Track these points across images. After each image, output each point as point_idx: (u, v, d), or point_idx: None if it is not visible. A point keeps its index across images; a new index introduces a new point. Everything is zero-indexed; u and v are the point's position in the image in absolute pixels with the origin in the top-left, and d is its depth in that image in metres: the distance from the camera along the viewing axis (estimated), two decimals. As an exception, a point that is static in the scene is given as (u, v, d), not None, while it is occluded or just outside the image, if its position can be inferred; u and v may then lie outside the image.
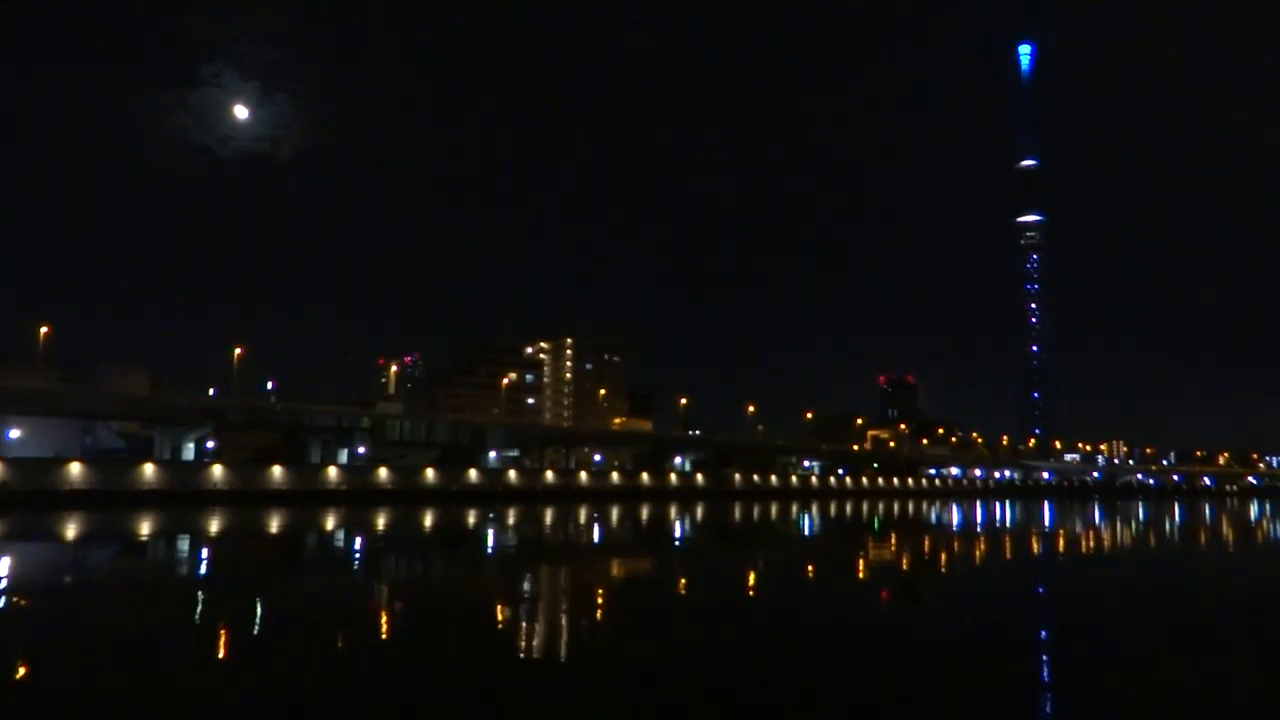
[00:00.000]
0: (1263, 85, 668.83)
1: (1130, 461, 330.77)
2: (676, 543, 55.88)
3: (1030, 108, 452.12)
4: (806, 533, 67.51)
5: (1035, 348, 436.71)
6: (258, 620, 23.66)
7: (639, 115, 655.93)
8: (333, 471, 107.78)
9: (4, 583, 29.54)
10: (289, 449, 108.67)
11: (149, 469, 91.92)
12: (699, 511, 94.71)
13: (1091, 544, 58.34)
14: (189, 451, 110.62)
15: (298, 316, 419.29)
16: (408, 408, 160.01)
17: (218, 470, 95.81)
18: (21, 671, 16.90)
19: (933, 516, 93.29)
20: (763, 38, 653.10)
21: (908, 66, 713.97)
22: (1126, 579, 38.51)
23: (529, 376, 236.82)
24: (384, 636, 21.69)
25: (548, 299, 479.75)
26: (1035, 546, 54.84)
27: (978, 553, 50.38)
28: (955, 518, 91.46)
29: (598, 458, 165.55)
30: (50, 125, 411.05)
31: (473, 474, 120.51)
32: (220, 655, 18.81)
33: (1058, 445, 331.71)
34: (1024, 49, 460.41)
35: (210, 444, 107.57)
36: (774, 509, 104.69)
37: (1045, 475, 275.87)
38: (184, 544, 47.99)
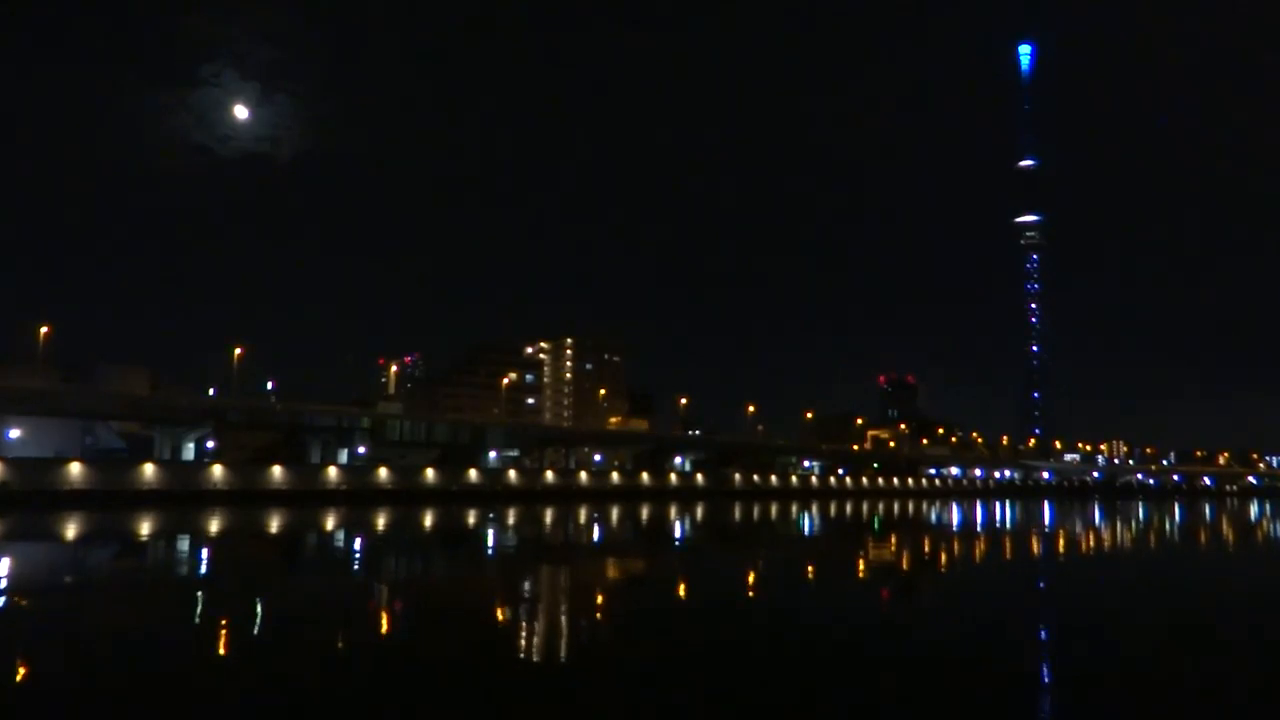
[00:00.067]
0: (1263, 85, 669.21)
1: (1130, 461, 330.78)
2: (676, 543, 55.88)
3: (1030, 108, 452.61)
4: (806, 533, 67.52)
5: (1035, 348, 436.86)
6: (258, 620, 23.65)
7: (639, 115, 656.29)
8: (333, 471, 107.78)
9: (4, 583, 29.54)
10: (289, 449, 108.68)
11: (149, 469, 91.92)
12: (699, 511, 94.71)
13: (1091, 544, 58.34)
14: (189, 451, 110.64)
15: (298, 316, 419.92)
16: (408, 408, 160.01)
17: (218, 470, 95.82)
18: (21, 672, 16.90)
19: (933, 516, 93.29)
20: (763, 38, 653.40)
21: (908, 66, 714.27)
22: (1126, 579, 38.53)
23: (529, 376, 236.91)
24: (384, 637, 21.70)
25: (548, 299, 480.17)
26: (1035, 546, 54.84)
27: (977, 552, 50.38)
28: (955, 518, 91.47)
29: (598, 458, 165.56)
30: (50, 125, 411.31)
31: (473, 474, 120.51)
32: (220, 655, 18.81)
33: (1058, 445, 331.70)
34: (1024, 49, 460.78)
35: (210, 444, 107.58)
36: (774, 509, 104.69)
37: (1045, 475, 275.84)
38: (184, 544, 47.99)
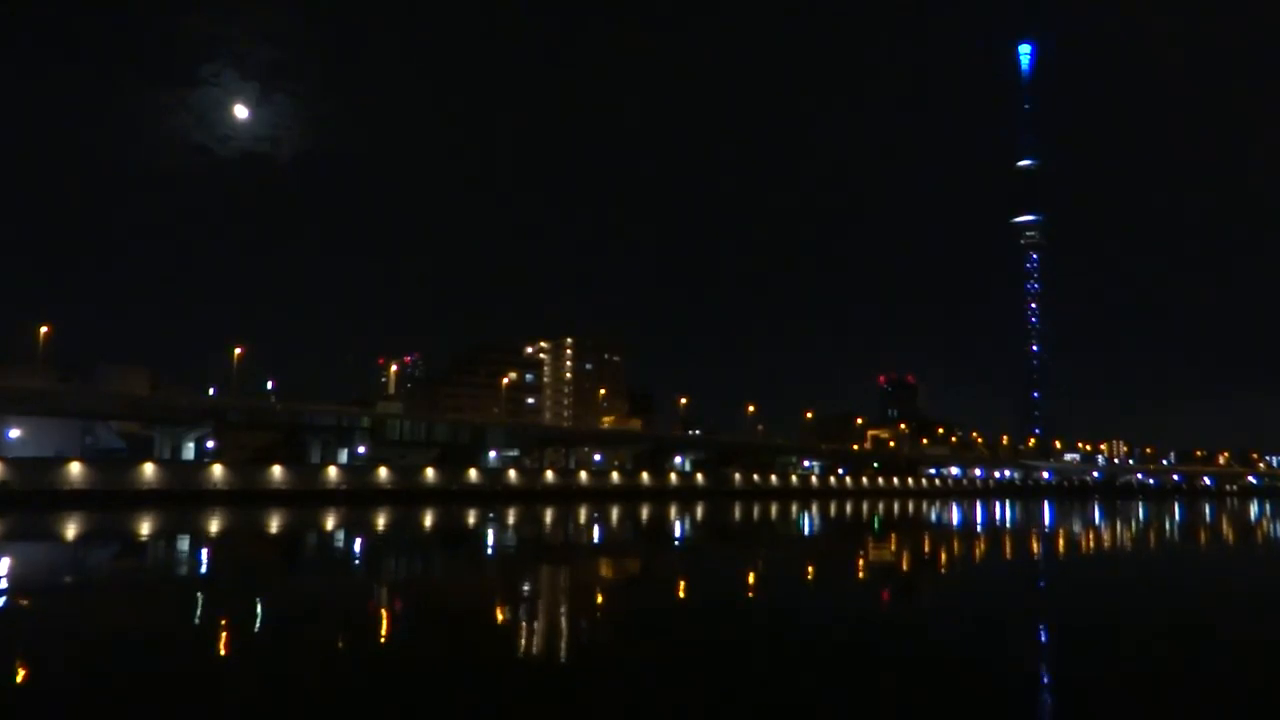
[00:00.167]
0: (1263, 85, 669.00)
1: (1130, 461, 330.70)
2: (676, 542, 55.88)
3: (1030, 108, 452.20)
4: (806, 533, 67.50)
5: (1035, 348, 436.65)
6: (258, 620, 23.65)
7: (639, 115, 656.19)
8: (333, 471, 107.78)
9: (4, 583, 29.54)
10: (289, 449, 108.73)
11: (149, 469, 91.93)
12: (699, 511, 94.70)
13: (1091, 544, 58.34)
14: (189, 451, 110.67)
15: (298, 316, 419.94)
16: (408, 408, 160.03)
17: (218, 470, 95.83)
18: (21, 672, 16.90)
19: (933, 516, 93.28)
20: (763, 38, 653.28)
21: (908, 66, 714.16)
22: (1126, 579, 38.51)
23: (529, 376, 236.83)
24: (383, 637, 21.70)
25: (548, 299, 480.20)
26: (1035, 546, 54.84)
27: (977, 552, 50.38)
28: (955, 518, 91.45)
29: (598, 457, 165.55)
30: (50, 125, 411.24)
31: (473, 474, 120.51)
32: (220, 655, 18.81)
33: (1058, 445, 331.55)
34: (1024, 49, 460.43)
35: (210, 444, 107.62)
36: (774, 509, 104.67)
37: (1045, 475, 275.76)
38: (184, 544, 47.99)
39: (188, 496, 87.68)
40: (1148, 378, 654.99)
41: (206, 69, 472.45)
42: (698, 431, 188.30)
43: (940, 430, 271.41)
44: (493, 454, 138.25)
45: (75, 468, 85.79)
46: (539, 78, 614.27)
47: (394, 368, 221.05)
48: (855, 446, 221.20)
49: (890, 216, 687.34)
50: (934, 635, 22.19)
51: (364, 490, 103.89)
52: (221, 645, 19.89)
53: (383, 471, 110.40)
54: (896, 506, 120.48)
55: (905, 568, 40.72)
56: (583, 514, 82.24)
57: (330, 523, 64.94)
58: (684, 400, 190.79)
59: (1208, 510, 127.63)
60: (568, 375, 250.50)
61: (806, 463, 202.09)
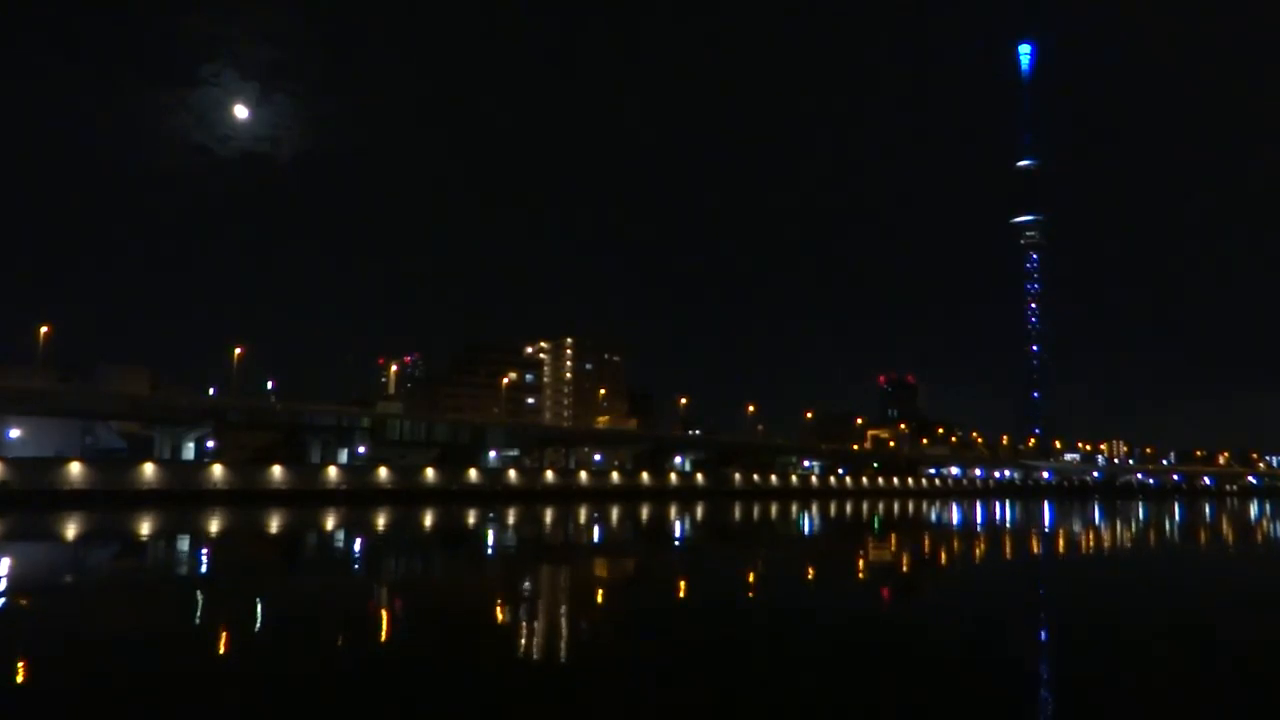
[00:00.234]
0: (1263, 85, 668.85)
1: (1130, 461, 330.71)
2: (677, 542, 55.89)
3: (1030, 108, 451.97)
4: (806, 532, 67.52)
5: (1035, 348, 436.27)
6: (258, 620, 23.67)
7: (638, 115, 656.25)
8: (333, 471, 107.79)
9: (4, 583, 29.55)
10: (289, 449, 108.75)
11: (149, 469, 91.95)
12: (699, 511, 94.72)
13: (1091, 544, 58.34)
14: (189, 451, 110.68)
15: (298, 316, 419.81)
16: (408, 408, 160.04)
17: (218, 470, 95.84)
18: (21, 672, 16.90)
19: (933, 516, 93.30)
20: (763, 38, 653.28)
21: (908, 66, 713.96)
22: (1126, 579, 38.51)
23: (529, 376, 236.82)
24: (384, 637, 21.71)
25: (548, 299, 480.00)
26: (1035, 546, 54.85)
27: (977, 552, 50.39)
28: (955, 517, 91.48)
29: (598, 457, 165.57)
30: (50, 125, 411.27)
31: (473, 474, 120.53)
32: (220, 655, 18.82)
33: (1058, 445, 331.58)
34: (1024, 49, 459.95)
35: (210, 444, 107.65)
36: (774, 509, 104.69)
37: (1045, 475, 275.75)
38: (184, 544, 48.00)
39: (188, 496, 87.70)
40: (1148, 378, 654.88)
41: (206, 69, 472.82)
42: (697, 431, 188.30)
43: (940, 430, 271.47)
44: (493, 454, 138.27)
45: (75, 468, 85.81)
46: (539, 78, 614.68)
47: (394, 368, 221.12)
48: (855, 446, 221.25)
49: (890, 216, 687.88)
50: (934, 635, 22.20)
51: (364, 490, 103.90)
52: (221, 645, 19.90)
53: (383, 471, 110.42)
54: (896, 506, 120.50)
55: (905, 568, 40.73)
56: (583, 514, 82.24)
57: (330, 523, 64.95)
58: (684, 400, 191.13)
59: (1208, 510, 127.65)
60: (567, 375, 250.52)
61: (806, 463, 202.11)
